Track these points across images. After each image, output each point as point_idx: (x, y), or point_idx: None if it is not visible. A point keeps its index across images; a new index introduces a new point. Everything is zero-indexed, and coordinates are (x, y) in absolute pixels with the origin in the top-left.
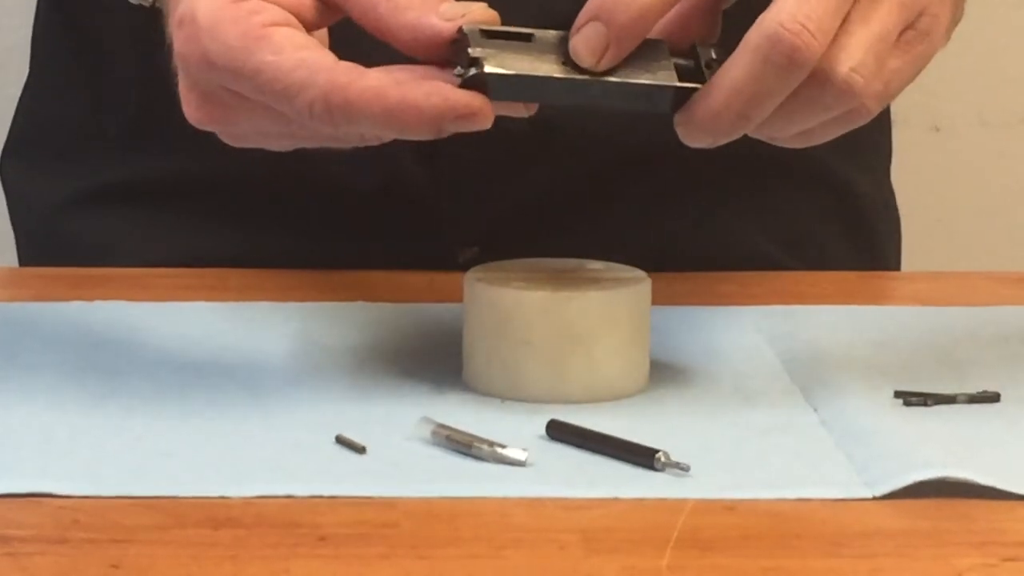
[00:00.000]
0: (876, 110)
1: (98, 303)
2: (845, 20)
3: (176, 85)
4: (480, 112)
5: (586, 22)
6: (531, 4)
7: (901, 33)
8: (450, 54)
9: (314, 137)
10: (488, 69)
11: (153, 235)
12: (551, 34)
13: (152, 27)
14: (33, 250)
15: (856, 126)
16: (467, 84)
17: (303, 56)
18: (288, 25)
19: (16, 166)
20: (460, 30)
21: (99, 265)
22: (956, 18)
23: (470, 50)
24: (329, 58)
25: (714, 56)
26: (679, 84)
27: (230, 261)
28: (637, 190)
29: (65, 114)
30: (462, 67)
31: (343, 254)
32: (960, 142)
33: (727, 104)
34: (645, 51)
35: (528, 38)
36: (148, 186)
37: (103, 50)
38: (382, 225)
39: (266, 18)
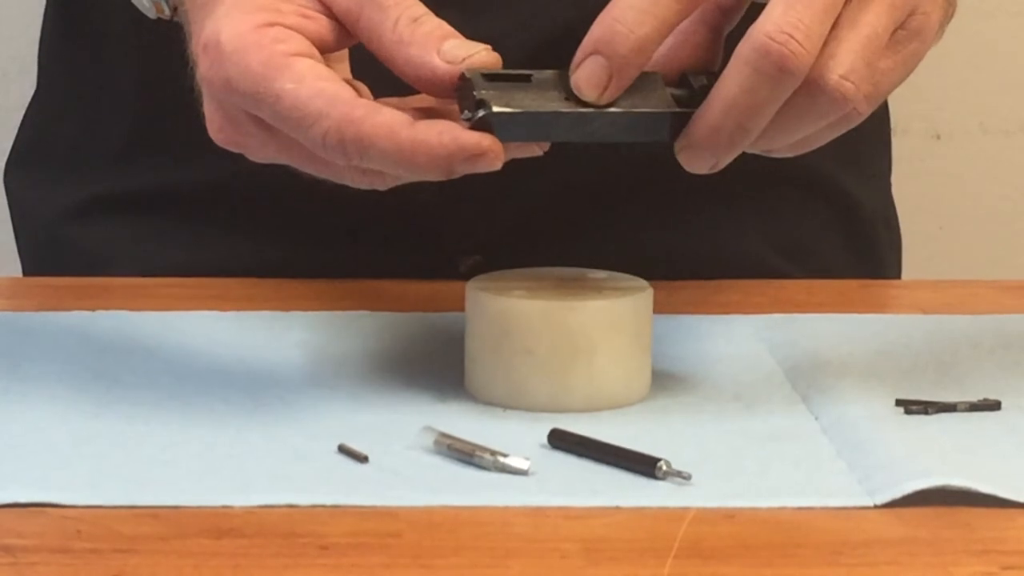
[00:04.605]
0: (867, 111)
1: (100, 312)
2: (834, 25)
3: (185, 97)
4: (490, 152)
5: (586, 56)
6: (540, 17)
7: (892, 33)
8: (454, 95)
9: (329, 169)
10: (496, 108)
11: (155, 245)
12: (548, 73)
13: (157, 40)
14: (36, 260)
15: (848, 128)
16: (476, 126)
17: (322, 86)
18: (311, 57)
19: (20, 176)
20: (462, 76)
21: (102, 275)
22: (948, 15)
23: (475, 92)
24: (348, 92)
25: (705, 82)
26: (678, 109)
27: (232, 271)
28: (639, 199)
29: (69, 125)
30: (469, 111)
31: (345, 263)
32: (961, 150)
33: (724, 118)
34: (642, 84)
35: (527, 79)
36: (150, 196)
37: (106, 62)
38: (384, 234)
39: (290, 48)
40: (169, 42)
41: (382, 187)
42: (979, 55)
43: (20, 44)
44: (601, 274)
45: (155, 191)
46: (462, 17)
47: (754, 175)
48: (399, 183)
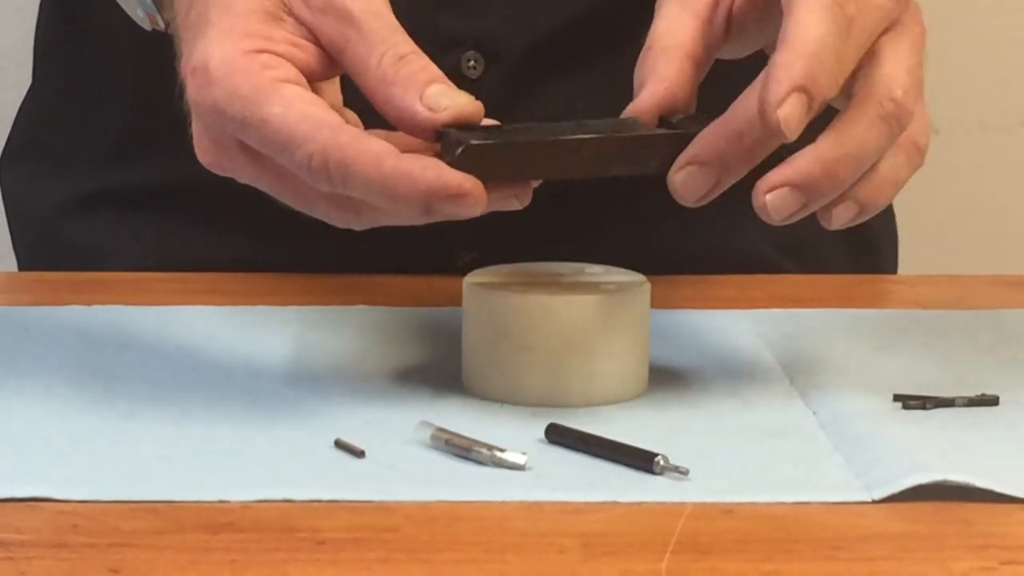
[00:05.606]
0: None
1: (96, 307)
2: None
3: (177, 97)
4: (471, 194)
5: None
6: (539, 16)
7: None
8: (436, 143)
9: (307, 201)
10: (474, 141)
11: (151, 239)
12: (522, 124)
13: (153, 36)
14: (32, 254)
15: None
16: (459, 164)
17: (310, 111)
18: (299, 84)
19: (16, 170)
20: (439, 131)
21: (98, 269)
22: None
23: (453, 137)
24: (335, 118)
25: (682, 117)
26: (668, 131)
27: (229, 265)
28: (637, 195)
29: (64, 120)
30: (449, 155)
31: (342, 258)
32: (959, 145)
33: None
34: (622, 124)
35: (500, 127)
36: (147, 191)
37: (102, 57)
38: (381, 229)
39: (279, 74)
40: (166, 40)
41: (357, 227)
42: (977, 51)
43: (15, 38)
44: (598, 269)
45: (151, 186)
46: (461, 17)
47: (751, 171)
48: (374, 225)
